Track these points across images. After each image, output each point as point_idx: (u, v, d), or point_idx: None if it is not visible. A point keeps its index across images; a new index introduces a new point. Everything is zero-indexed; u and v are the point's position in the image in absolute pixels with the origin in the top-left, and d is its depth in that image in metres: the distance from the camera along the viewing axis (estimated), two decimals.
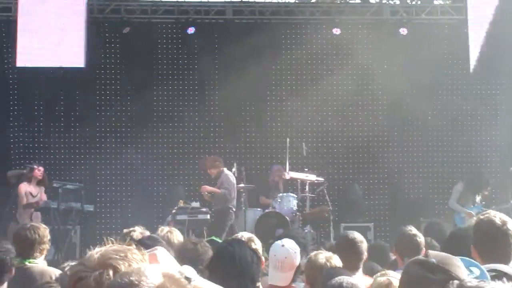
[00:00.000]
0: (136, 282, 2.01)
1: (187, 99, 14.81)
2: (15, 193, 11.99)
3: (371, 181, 14.81)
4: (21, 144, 14.39)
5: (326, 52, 14.92)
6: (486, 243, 4.07)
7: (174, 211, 12.00)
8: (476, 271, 3.13)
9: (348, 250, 5.48)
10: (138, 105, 14.61)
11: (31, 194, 11.97)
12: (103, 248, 2.38)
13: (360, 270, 5.44)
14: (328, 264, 5.17)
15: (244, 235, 5.99)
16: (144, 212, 13.88)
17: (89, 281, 2.27)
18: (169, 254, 2.86)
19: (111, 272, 2.28)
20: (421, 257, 2.96)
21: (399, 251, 5.79)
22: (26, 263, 5.74)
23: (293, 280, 5.20)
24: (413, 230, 5.91)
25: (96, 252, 2.36)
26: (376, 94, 14.95)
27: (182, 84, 14.74)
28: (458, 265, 2.92)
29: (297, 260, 5.18)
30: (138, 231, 5.66)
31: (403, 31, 14.63)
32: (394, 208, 14.59)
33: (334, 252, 5.44)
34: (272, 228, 11.81)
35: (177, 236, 6.01)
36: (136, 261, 2.37)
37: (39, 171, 12.13)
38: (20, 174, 12.39)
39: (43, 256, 5.88)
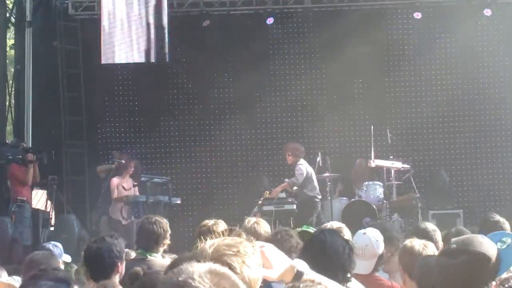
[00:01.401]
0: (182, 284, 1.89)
1: (269, 89, 14.80)
2: (106, 186, 12.26)
3: (458, 167, 14.49)
4: (109, 140, 14.73)
5: (407, 37, 14.67)
6: None
7: (260, 202, 12.05)
8: (508, 240, 3.10)
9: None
10: (220, 97, 14.74)
11: (123, 187, 12.20)
12: (215, 242, 2.36)
13: None
14: (425, 251, 5.08)
15: (333, 224, 5.96)
16: (230, 203, 14.02)
17: None
18: (277, 249, 2.82)
19: None
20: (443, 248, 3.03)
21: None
22: (148, 255, 5.83)
23: (375, 269, 5.14)
24: (427, 225, 5.88)
25: (209, 247, 2.34)
26: (460, 78, 14.59)
27: (263, 74, 14.72)
28: (481, 241, 2.94)
29: (379, 249, 5.13)
30: (209, 224, 5.68)
31: (487, 12, 14.19)
32: (484, 194, 14.25)
33: None
34: (359, 217, 11.70)
35: (264, 227, 5.99)
36: (248, 255, 2.36)
37: (130, 166, 12.35)
38: (109, 169, 12.66)
39: (162, 249, 5.95)
